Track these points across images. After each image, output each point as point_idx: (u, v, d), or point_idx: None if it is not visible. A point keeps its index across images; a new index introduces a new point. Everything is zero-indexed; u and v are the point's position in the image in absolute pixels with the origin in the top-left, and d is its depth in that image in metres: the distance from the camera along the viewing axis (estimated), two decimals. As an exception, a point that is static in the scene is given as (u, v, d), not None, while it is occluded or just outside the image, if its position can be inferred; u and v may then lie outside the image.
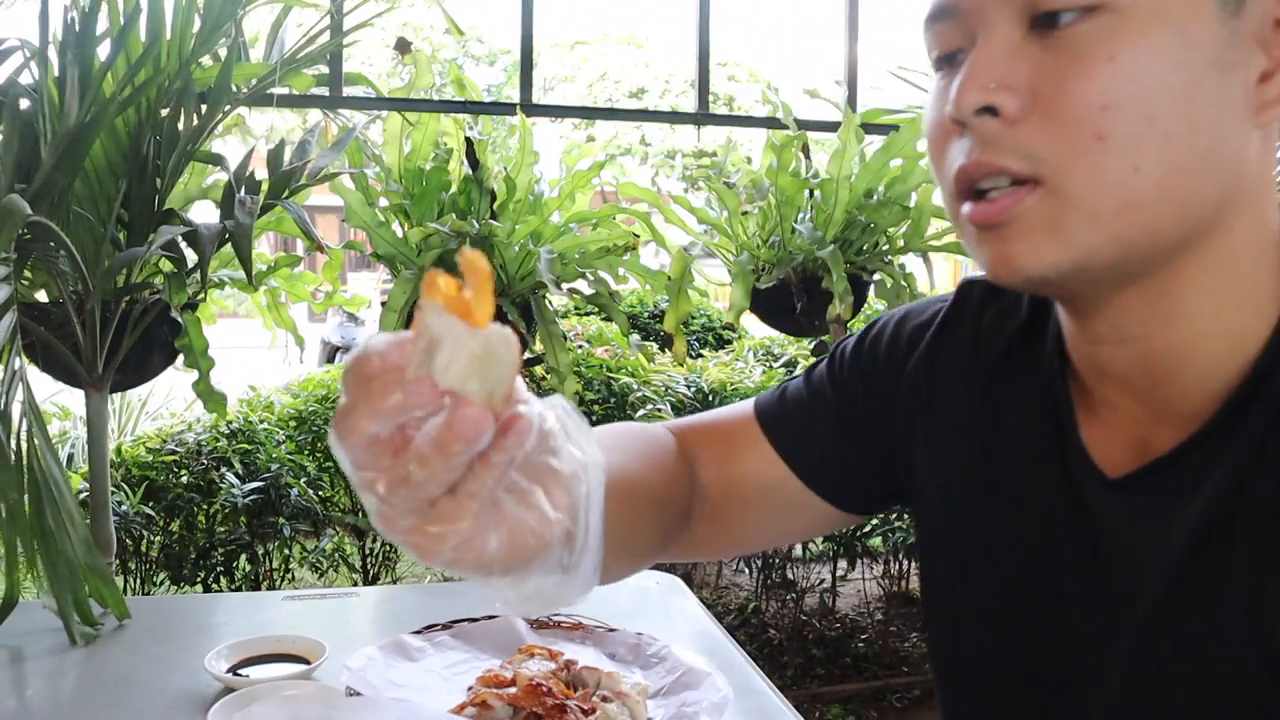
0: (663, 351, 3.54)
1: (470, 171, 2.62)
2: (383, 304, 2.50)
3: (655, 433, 0.82)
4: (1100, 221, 0.56)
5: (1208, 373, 0.60)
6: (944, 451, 0.76)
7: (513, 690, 0.94)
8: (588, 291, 2.64)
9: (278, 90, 2.29)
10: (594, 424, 0.64)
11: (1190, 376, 0.60)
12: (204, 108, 2.10)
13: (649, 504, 0.76)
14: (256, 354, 3.54)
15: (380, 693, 0.97)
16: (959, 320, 0.77)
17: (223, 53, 2.13)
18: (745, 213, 2.79)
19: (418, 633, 1.12)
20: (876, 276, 2.73)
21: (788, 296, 2.68)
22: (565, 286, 2.67)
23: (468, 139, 2.61)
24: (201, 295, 2.16)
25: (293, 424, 3.19)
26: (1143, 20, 0.54)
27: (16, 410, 1.41)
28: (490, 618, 1.16)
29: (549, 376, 2.91)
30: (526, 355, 2.73)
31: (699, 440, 0.85)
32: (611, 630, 1.15)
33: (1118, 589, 0.64)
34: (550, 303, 2.64)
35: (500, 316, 2.49)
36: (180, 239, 2.00)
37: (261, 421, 3.14)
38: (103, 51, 1.95)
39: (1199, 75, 0.55)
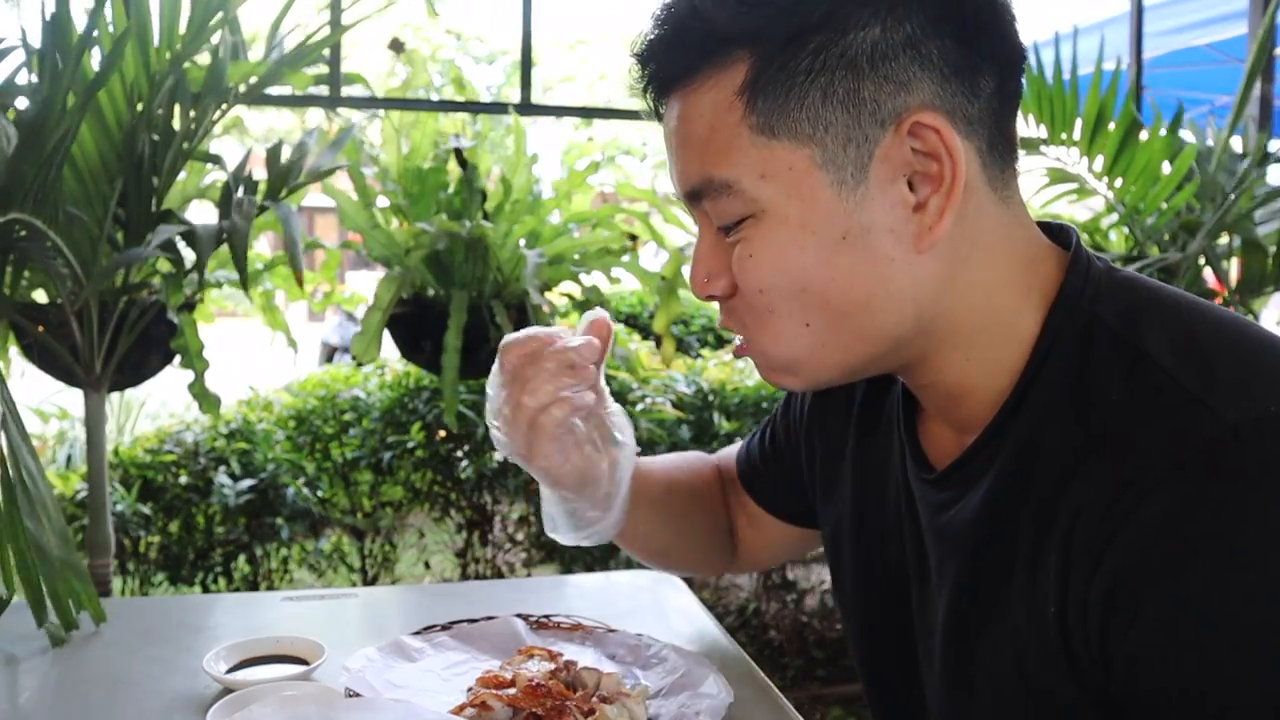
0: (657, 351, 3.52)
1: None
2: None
3: (702, 463, 1.17)
4: (799, 364, 0.73)
5: (983, 394, 0.74)
6: (833, 460, 0.95)
7: (512, 691, 0.94)
8: (580, 297, 2.63)
9: (277, 89, 2.28)
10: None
11: (971, 397, 0.75)
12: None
13: (694, 502, 1.11)
14: (257, 354, 3.53)
15: (379, 694, 0.97)
16: None
17: (219, 50, 2.12)
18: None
19: (417, 634, 1.12)
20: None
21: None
22: (558, 291, 2.67)
23: (457, 150, 2.59)
24: (199, 296, 2.15)
25: (292, 424, 3.17)
26: (769, 223, 0.69)
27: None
28: (489, 619, 1.15)
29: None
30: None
31: (724, 484, 1.17)
32: (611, 631, 1.14)
33: (933, 578, 0.78)
34: (547, 303, 2.63)
35: (493, 319, 2.48)
36: (178, 239, 2.00)
37: (260, 421, 3.12)
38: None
39: (833, 247, 0.68)
